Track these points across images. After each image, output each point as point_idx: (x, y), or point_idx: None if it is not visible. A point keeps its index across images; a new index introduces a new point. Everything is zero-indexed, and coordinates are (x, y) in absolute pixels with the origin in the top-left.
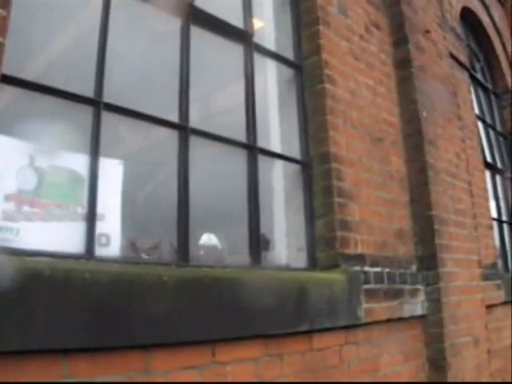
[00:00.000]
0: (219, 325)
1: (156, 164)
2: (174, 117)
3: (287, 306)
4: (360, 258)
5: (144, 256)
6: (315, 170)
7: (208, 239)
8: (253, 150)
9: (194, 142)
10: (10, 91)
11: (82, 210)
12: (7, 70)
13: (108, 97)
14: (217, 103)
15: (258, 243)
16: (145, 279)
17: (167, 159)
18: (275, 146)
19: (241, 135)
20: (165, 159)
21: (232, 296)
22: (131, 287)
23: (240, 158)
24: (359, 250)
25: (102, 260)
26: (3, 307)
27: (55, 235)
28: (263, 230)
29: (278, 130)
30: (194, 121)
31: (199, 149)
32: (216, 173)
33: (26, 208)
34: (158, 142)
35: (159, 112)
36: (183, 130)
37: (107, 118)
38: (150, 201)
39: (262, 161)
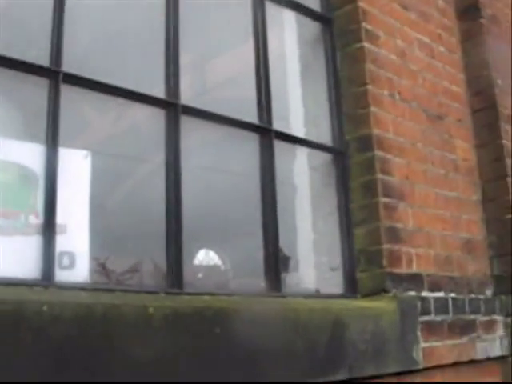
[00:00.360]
0: (225, 373)
1: (135, 156)
2: (158, 91)
3: (318, 346)
4: (416, 280)
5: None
6: (353, 159)
7: (206, 257)
8: (267, 133)
9: (187, 125)
10: None
11: (36, 219)
12: None
13: (69, 66)
14: (216, 72)
15: (275, 261)
16: (123, 313)
17: (150, 149)
18: (297, 129)
19: (250, 114)
20: (147, 149)
21: (243, 335)
22: (105, 324)
23: (249, 145)
24: (414, 269)
25: (65, 287)
26: None
27: None
28: (283, 243)
29: (300, 106)
30: (186, 96)
31: (194, 134)
32: (217, 167)
33: None
34: (137, 126)
35: (138, 85)
36: (171, 108)
37: (68, 94)
38: (128, 206)
39: (280, 149)
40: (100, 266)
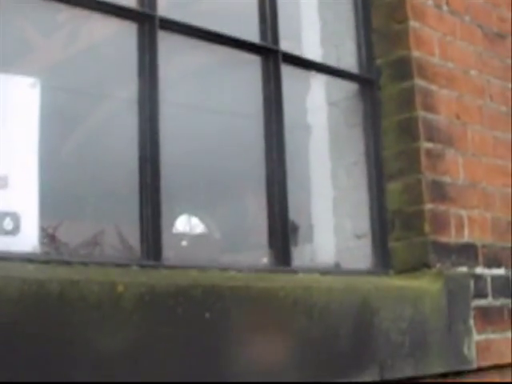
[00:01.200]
0: (216, 372)
1: (97, 87)
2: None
3: (338, 337)
4: (468, 252)
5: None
6: (385, 91)
7: (187, 226)
8: (272, 56)
9: (166, 44)
10: None
11: None
12: None
13: None
14: None
15: (283, 227)
16: (84, 291)
17: (118, 77)
18: (312, 51)
19: (249, 32)
20: (113, 77)
21: (241, 321)
22: (61, 305)
23: (249, 72)
24: (466, 238)
25: (8, 258)
26: None
27: None
28: (293, 203)
29: (316, 20)
30: (164, 7)
31: (176, 57)
32: (206, 102)
33: None
34: (99, 47)
35: None
36: (146, 21)
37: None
38: (89, 153)
39: (289, 77)
40: (53, 232)
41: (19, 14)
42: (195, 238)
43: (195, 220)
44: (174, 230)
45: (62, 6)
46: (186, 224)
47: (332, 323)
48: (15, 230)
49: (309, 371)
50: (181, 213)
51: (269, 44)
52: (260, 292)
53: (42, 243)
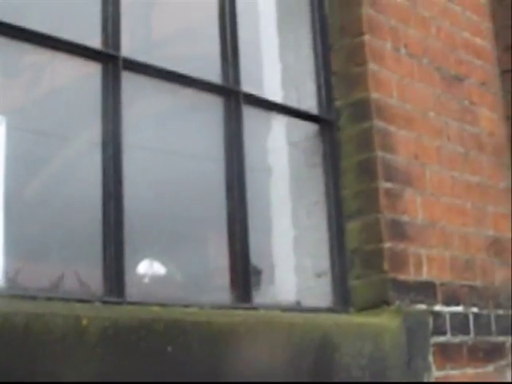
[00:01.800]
0: None
1: (62, 129)
2: (92, 41)
3: (299, 371)
4: (427, 290)
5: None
6: (345, 132)
7: (150, 269)
8: (233, 96)
9: (130, 85)
10: None
11: None
12: None
13: None
14: (165, 21)
15: (244, 266)
16: (49, 325)
17: (81, 116)
18: (273, 92)
19: (211, 73)
20: (76, 117)
21: (202, 355)
22: (25, 339)
23: (211, 112)
24: (425, 276)
25: None
26: None
27: None
28: (254, 243)
29: (277, 62)
30: (128, 49)
31: (139, 97)
32: (168, 144)
33: None
34: (63, 88)
35: (66, 33)
36: (111, 61)
37: None
38: (53, 195)
39: (251, 118)
40: (17, 272)
41: None
42: (157, 278)
43: (157, 264)
44: (137, 272)
45: (26, 46)
46: (149, 268)
47: (293, 358)
48: None
49: None
50: (143, 256)
51: (230, 85)
52: (221, 327)
53: (5, 281)
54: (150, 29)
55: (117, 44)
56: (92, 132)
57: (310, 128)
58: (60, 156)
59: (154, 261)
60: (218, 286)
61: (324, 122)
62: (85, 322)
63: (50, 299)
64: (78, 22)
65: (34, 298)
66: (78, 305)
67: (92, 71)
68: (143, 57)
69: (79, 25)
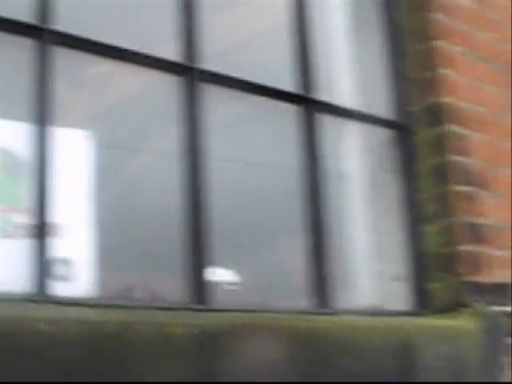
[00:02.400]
0: None
1: (135, 139)
2: (168, 54)
3: (381, 374)
4: (501, 291)
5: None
6: (419, 137)
7: (229, 276)
8: (307, 104)
9: (206, 95)
10: None
11: (23, 218)
12: None
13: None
14: (234, 28)
15: (323, 272)
16: (138, 333)
17: (157, 128)
18: (346, 98)
19: (283, 81)
20: (152, 129)
21: (285, 357)
22: (117, 346)
23: (285, 120)
24: (500, 277)
25: (64, 302)
26: None
27: None
28: (331, 249)
29: (349, 70)
30: (202, 60)
31: (214, 107)
32: (243, 152)
33: None
34: (139, 98)
35: (143, 45)
36: (187, 73)
37: (62, 55)
38: (133, 206)
39: (324, 125)
40: (105, 278)
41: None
42: (237, 285)
43: (235, 272)
44: (217, 280)
45: (98, 59)
46: (228, 275)
47: (374, 361)
48: (70, 276)
49: None
50: (223, 264)
51: (304, 93)
52: (302, 331)
53: (98, 285)
54: (220, 36)
55: (193, 55)
56: (168, 142)
57: (384, 134)
58: (136, 167)
59: (232, 268)
60: (297, 292)
61: (399, 127)
62: (174, 329)
63: (137, 308)
64: (150, 32)
65: (122, 306)
66: (165, 313)
67: (168, 83)
68: (217, 66)
69: (151, 35)
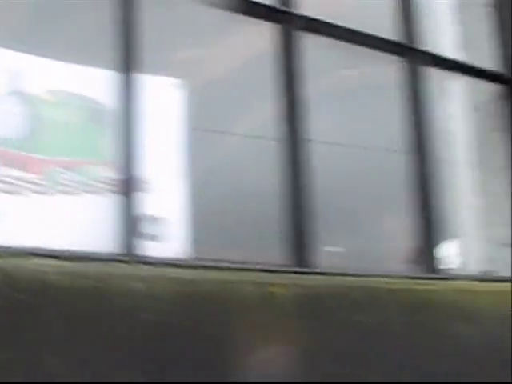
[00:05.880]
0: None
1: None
2: None
3: (486, 332)
4: None
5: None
6: None
7: (328, 245)
8: (410, 55)
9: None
10: None
11: (109, 172)
12: None
13: None
14: None
15: (428, 235)
16: (241, 292)
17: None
18: (451, 53)
19: (384, 31)
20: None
21: (395, 323)
22: (215, 304)
23: (389, 72)
24: None
25: (157, 263)
26: None
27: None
28: (439, 214)
29: (454, 22)
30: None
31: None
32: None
33: (10, 171)
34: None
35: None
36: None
37: None
38: (234, 161)
39: (430, 79)
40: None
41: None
42: (343, 253)
43: (340, 240)
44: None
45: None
46: (327, 244)
47: (487, 324)
48: (163, 236)
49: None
50: (327, 233)
51: (406, 41)
52: (414, 295)
53: (195, 253)
54: None
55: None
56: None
57: (495, 89)
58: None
59: (336, 239)
60: (406, 259)
61: (507, 81)
62: (276, 289)
63: (237, 269)
64: None
65: (219, 268)
66: (267, 274)
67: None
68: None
69: None
